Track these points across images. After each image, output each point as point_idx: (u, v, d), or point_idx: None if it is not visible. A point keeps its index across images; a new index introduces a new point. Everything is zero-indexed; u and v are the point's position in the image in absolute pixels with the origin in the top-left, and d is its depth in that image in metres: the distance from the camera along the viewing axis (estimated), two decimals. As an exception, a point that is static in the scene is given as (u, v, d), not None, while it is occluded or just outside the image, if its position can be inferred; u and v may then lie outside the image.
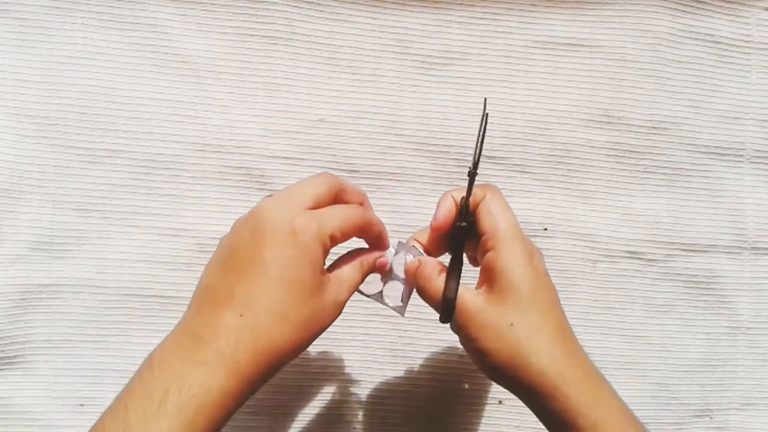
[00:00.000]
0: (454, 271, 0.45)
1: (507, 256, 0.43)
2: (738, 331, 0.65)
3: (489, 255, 0.44)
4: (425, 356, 0.62)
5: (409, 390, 0.63)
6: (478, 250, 0.46)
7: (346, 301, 0.44)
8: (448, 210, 0.46)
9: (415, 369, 0.62)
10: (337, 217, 0.43)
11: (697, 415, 0.65)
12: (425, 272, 0.46)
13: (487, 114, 0.45)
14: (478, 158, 0.45)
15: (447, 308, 0.44)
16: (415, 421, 0.62)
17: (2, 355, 0.59)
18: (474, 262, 0.50)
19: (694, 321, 0.65)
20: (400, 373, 0.62)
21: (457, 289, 0.44)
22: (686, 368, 0.65)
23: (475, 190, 0.46)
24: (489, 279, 0.44)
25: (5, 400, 0.59)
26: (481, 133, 0.45)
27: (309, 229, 0.41)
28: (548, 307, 0.44)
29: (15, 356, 0.59)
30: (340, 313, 0.44)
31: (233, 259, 0.41)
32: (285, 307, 0.40)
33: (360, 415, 0.62)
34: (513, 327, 0.42)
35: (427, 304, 0.47)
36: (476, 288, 0.45)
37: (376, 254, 0.48)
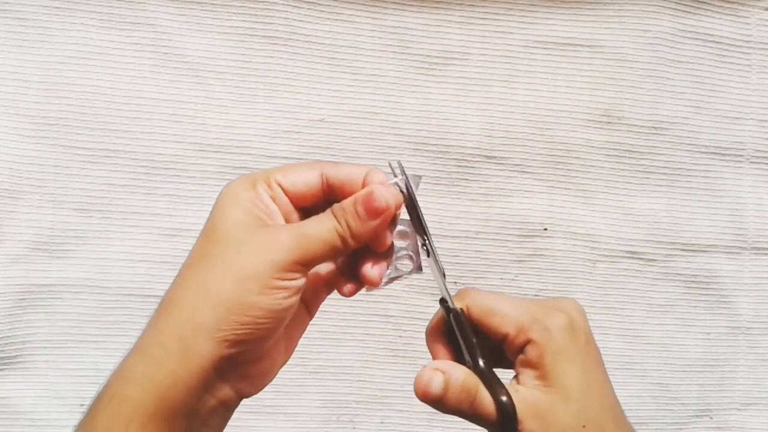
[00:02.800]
0: (489, 372, 0.37)
1: (552, 354, 0.36)
2: (738, 331, 0.65)
3: (529, 351, 0.36)
4: (425, 356, 0.62)
5: (409, 390, 0.63)
6: (497, 346, 0.38)
7: (305, 265, 0.34)
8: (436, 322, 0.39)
9: (415, 369, 0.62)
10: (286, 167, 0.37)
11: (697, 415, 0.65)
12: (459, 387, 0.37)
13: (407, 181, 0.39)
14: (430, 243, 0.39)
15: (508, 417, 0.36)
16: (415, 421, 0.62)
17: (2, 355, 0.59)
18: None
19: (693, 321, 0.65)
20: (400, 373, 0.62)
21: (506, 390, 0.36)
22: (686, 368, 0.65)
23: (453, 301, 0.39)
24: (535, 371, 0.36)
25: (5, 400, 0.59)
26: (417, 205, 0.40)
27: (239, 180, 0.37)
28: (604, 390, 0.37)
29: (15, 356, 0.59)
30: (292, 288, 0.34)
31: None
32: (202, 278, 0.35)
33: (360, 415, 0.62)
34: (586, 429, 0.36)
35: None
36: (517, 383, 0.37)
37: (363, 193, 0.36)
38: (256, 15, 0.61)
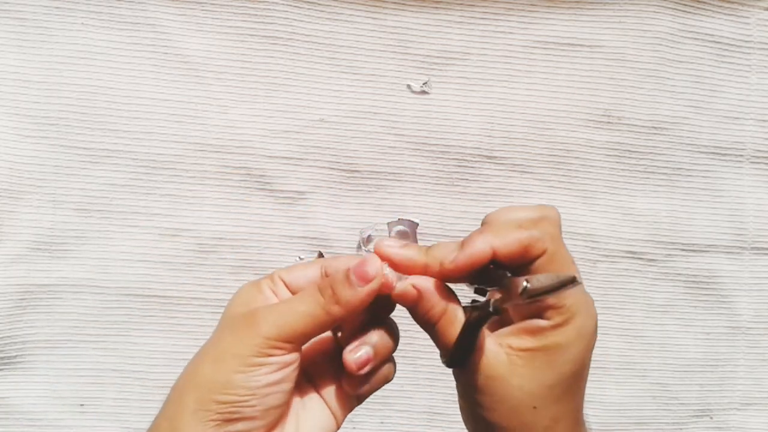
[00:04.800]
0: (480, 314, 0.35)
1: (573, 345, 0.35)
2: (738, 331, 0.65)
3: (548, 331, 0.35)
4: (425, 356, 0.62)
5: (409, 390, 0.63)
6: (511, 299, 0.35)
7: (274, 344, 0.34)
8: (479, 256, 0.35)
9: (415, 369, 0.62)
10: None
11: (697, 415, 0.65)
12: (434, 298, 0.36)
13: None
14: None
15: (462, 353, 0.36)
16: (415, 421, 0.62)
17: (2, 355, 0.59)
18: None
19: (693, 321, 0.65)
20: (400, 373, 0.62)
21: (479, 335, 0.35)
22: (686, 368, 0.65)
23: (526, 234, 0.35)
24: (529, 347, 0.35)
25: (5, 400, 0.59)
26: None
27: (247, 282, 0.38)
28: (577, 395, 0.37)
29: (15, 356, 0.59)
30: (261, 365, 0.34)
31: None
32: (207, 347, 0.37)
33: (360, 415, 0.62)
34: (536, 411, 0.35)
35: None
36: (498, 338, 0.36)
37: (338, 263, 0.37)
38: (256, 15, 0.61)
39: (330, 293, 0.35)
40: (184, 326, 0.61)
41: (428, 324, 0.37)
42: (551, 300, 0.35)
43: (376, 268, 0.35)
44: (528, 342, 0.35)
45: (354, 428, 0.62)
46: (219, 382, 0.34)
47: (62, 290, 0.60)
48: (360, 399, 0.39)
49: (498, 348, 0.36)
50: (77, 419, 0.60)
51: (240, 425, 0.34)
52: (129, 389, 0.60)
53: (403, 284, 0.36)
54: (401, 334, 0.65)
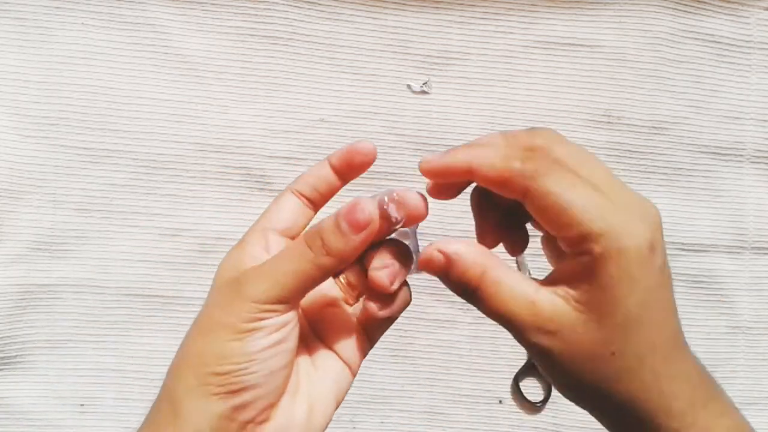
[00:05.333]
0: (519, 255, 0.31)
1: (620, 271, 0.29)
2: (738, 331, 0.65)
3: (584, 267, 0.30)
4: (425, 356, 0.62)
5: (409, 390, 0.63)
6: (548, 229, 0.31)
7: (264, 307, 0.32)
8: (455, 168, 0.32)
9: (415, 369, 0.62)
10: None
11: (698, 415, 0.65)
12: (470, 260, 0.31)
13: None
14: None
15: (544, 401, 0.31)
16: (415, 421, 0.62)
17: (2, 355, 0.59)
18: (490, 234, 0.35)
19: (694, 321, 0.65)
20: (400, 373, 0.62)
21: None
22: (686, 368, 0.65)
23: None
24: (582, 284, 0.30)
25: (5, 400, 0.59)
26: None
27: (230, 250, 0.36)
28: (663, 318, 0.32)
29: (15, 356, 0.59)
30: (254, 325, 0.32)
31: None
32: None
33: (360, 415, 0.62)
34: (615, 357, 0.31)
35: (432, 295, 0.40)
36: (548, 284, 0.31)
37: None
38: (256, 15, 0.61)
39: (319, 245, 0.32)
40: (184, 326, 0.60)
41: (467, 291, 0.32)
42: (570, 232, 0.29)
43: (367, 213, 0.32)
44: (575, 286, 0.30)
45: (354, 428, 0.62)
46: (214, 354, 0.32)
47: (62, 290, 0.60)
48: (375, 338, 0.36)
49: (556, 294, 0.31)
50: (77, 419, 0.60)
51: (246, 395, 0.32)
52: (129, 389, 0.60)
53: (429, 250, 0.32)
54: (402, 333, 0.65)
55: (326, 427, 0.35)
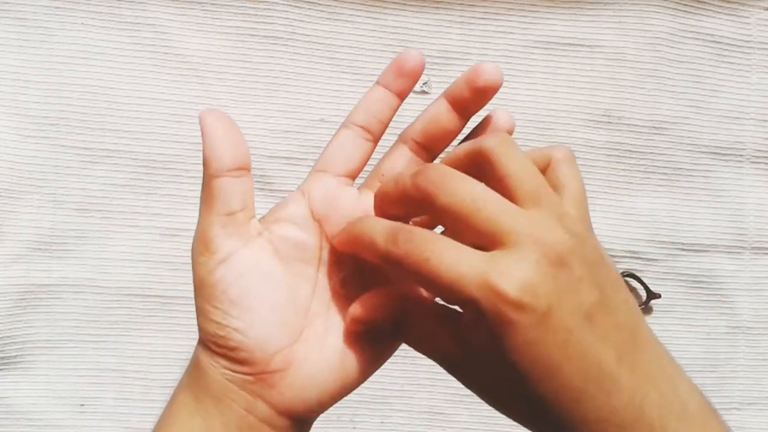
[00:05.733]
0: None
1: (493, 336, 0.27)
2: (738, 331, 0.65)
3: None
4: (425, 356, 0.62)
5: (409, 390, 0.63)
6: None
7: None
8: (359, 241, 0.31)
9: (415, 369, 0.62)
10: None
11: (698, 415, 0.65)
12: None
13: None
14: None
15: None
16: (415, 421, 0.62)
17: (2, 355, 0.59)
18: None
19: (694, 321, 0.65)
20: (401, 373, 0.62)
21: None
22: (686, 368, 0.64)
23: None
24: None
25: (5, 400, 0.59)
26: None
27: None
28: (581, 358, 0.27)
29: (15, 356, 0.59)
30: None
31: None
32: None
33: (360, 415, 0.62)
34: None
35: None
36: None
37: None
38: (256, 15, 0.61)
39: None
40: (184, 326, 0.61)
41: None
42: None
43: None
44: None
45: (354, 428, 0.62)
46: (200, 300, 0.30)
47: (62, 290, 0.60)
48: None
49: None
50: (77, 419, 0.60)
51: (232, 340, 0.30)
52: (129, 389, 0.60)
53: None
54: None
55: (364, 380, 0.34)
